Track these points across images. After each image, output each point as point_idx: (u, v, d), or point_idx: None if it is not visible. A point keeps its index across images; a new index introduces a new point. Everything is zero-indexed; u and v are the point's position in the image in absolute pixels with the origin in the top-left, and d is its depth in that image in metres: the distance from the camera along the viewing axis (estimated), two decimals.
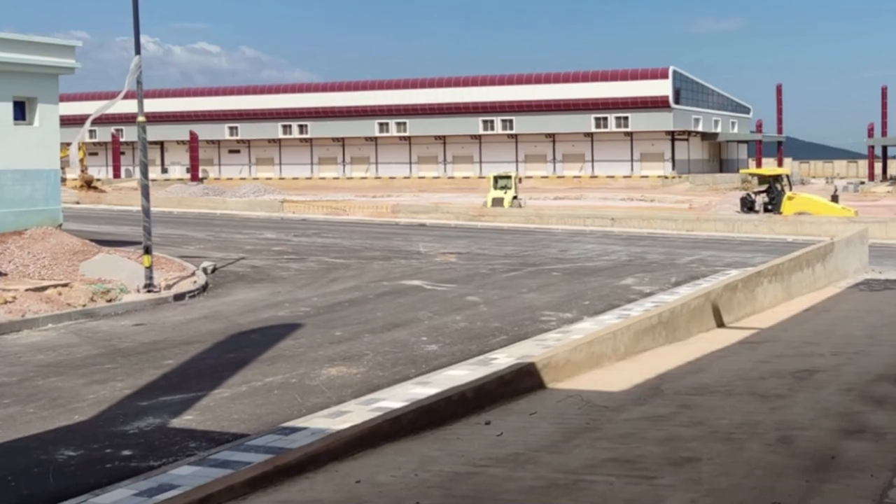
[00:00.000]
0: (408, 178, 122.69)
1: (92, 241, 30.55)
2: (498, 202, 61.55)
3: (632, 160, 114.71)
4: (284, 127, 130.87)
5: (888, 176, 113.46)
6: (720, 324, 18.81)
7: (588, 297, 25.01)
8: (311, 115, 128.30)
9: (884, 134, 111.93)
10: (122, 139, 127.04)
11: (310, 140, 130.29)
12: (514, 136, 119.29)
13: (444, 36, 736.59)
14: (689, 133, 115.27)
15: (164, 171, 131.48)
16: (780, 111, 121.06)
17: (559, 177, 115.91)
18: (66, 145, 34.99)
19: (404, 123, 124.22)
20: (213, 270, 30.20)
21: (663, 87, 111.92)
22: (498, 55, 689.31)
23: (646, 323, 16.63)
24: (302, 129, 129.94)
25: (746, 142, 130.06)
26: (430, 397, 12.57)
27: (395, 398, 14.18)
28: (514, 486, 9.37)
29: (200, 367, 17.11)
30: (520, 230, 49.62)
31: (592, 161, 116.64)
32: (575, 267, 31.77)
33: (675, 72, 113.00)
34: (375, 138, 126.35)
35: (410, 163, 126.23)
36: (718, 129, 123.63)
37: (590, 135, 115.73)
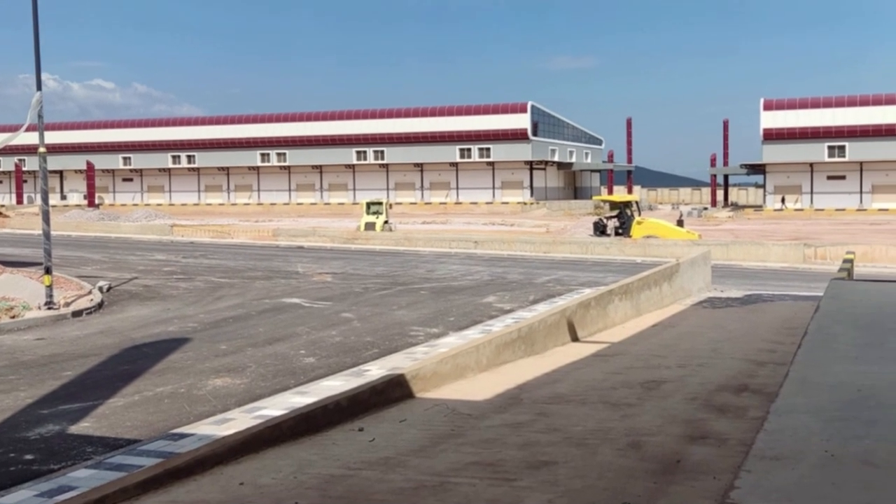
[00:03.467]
0: (287, 204, 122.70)
1: None
2: (370, 226, 61.77)
3: (493, 188, 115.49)
4: (174, 157, 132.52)
5: (729, 202, 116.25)
6: (575, 338, 18.95)
7: (453, 313, 25.07)
8: (198, 147, 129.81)
9: (725, 163, 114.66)
10: (24, 168, 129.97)
11: (197, 169, 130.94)
12: (386, 166, 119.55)
13: (321, 73, 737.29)
14: (546, 163, 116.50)
15: (64, 197, 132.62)
16: (629, 142, 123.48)
17: (427, 203, 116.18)
18: None
19: (284, 154, 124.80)
20: (109, 289, 30.25)
21: (522, 121, 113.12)
22: (371, 91, 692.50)
23: (506, 337, 16.68)
24: (190, 159, 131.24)
25: (599, 171, 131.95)
26: (308, 406, 12.52)
27: (276, 406, 14.29)
28: (385, 488, 9.34)
29: (97, 378, 17.04)
30: (390, 252, 49.66)
31: (457, 188, 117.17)
32: (441, 286, 31.82)
33: (533, 106, 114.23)
34: (258, 167, 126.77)
35: (290, 190, 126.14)
36: (573, 159, 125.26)
37: (455, 164, 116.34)
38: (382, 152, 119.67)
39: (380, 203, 65.77)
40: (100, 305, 26.73)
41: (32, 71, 25.64)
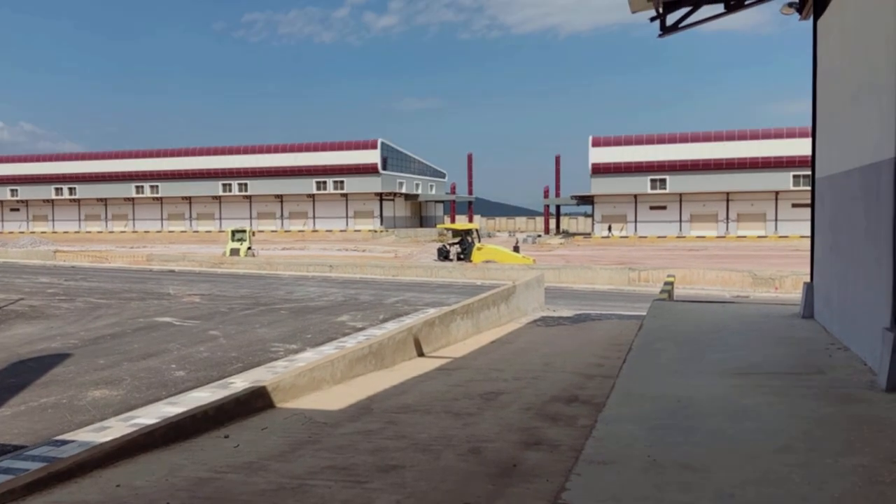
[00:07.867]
0: (160, 232, 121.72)
1: None
2: (235, 252, 61.29)
3: (347, 217, 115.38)
4: (57, 189, 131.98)
5: (561, 230, 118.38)
6: (421, 353, 18.97)
7: (310, 331, 24.88)
8: (79, 180, 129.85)
9: (557, 195, 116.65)
10: None
11: (78, 200, 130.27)
12: (249, 197, 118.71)
13: (191, 113, 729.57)
14: (395, 194, 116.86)
15: None
16: (470, 176, 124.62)
17: (286, 231, 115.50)
18: None
19: (157, 186, 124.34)
20: None
21: (373, 156, 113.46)
22: (237, 128, 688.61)
23: (358, 353, 16.60)
24: (71, 191, 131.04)
25: (442, 201, 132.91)
26: (179, 415, 12.32)
27: (149, 416, 14.15)
28: (249, 490, 9.21)
29: None
30: (253, 275, 49.16)
31: (314, 217, 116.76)
32: (299, 306, 31.55)
33: (382, 143, 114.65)
34: (133, 199, 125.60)
35: (162, 219, 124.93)
36: (419, 191, 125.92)
37: (312, 196, 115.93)
38: (246, 185, 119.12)
39: (243, 231, 65.22)
40: None
41: None
